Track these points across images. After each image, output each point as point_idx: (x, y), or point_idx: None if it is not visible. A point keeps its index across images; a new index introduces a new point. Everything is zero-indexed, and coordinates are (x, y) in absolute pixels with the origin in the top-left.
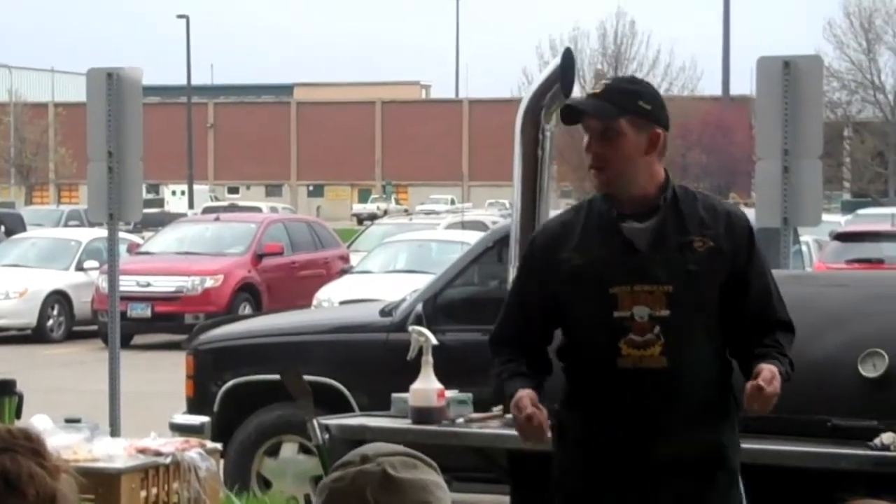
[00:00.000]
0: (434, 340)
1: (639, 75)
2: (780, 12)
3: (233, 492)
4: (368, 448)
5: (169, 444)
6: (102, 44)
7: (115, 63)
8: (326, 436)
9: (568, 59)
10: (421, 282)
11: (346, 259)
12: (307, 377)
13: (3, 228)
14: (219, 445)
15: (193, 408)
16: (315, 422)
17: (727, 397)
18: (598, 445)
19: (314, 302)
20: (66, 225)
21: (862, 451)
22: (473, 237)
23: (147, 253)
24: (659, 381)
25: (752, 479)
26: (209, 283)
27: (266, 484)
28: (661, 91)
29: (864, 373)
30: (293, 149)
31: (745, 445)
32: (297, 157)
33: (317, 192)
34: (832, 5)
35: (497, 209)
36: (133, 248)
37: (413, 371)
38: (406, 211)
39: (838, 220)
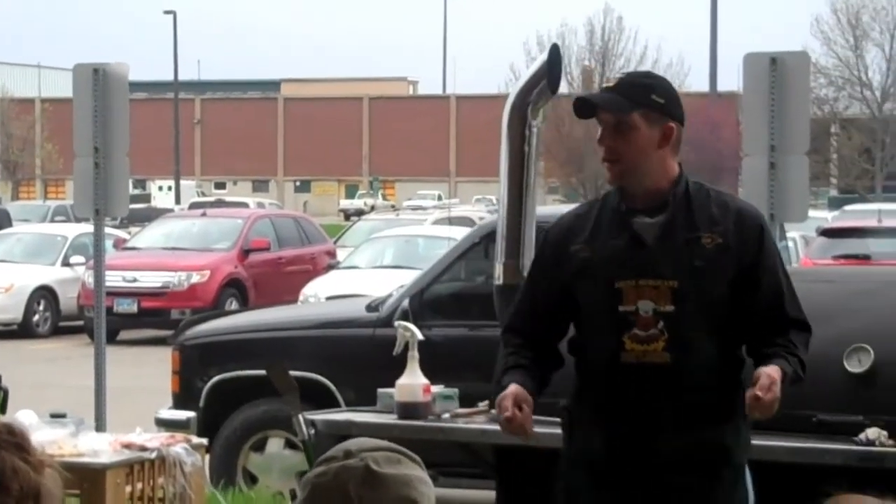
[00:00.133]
0: (420, 336)
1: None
2: (768, 9)
3: (218, 487)
4: (352, 443)
5: (154, 440)
6: (89, 39)
7: (101, 59)
8: (312, 431)
9: (555, 55)
10: (408, 277)
11: (332, 254)
12: (293, 372)
13: None
14: (204, 441)
15: (179, 403)
16: (301, 417)
17: (734, 394)
18: (604, 440)
19: (301, 297)
20: (52, 220)
21: (847, 447)
22: (460, 233)
23: (133, 248)
24: (662, 376)
25: None
26: (195, 278)
27: (252, 479)
28: None
29: (849, 368)
30: (280, 144)
31: None
32: (284, 152)
33: (304, 187)
34: (819, 2)
35: (484, 205)
36: (119, 244)
37: (399, 366)
38: (393, 206)
39: (825, 217)
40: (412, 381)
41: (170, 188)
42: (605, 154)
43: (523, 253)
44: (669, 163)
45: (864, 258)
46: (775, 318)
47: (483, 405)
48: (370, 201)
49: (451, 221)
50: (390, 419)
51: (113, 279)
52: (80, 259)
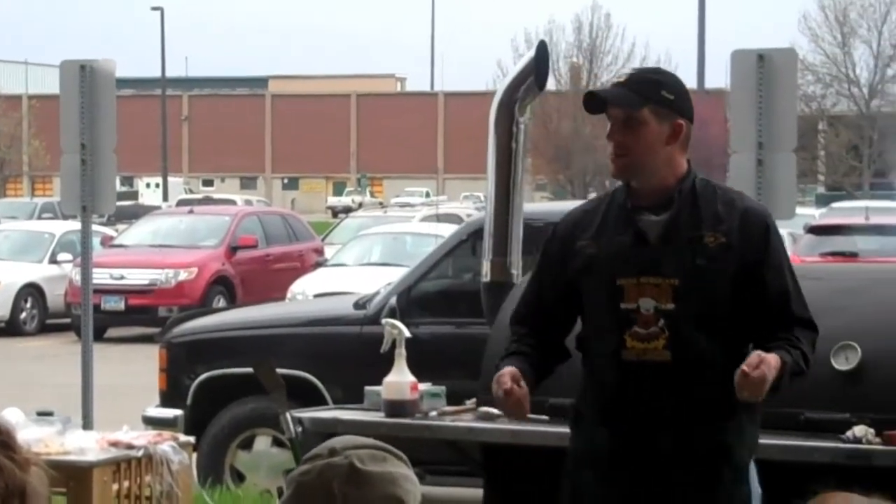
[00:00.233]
0: (407, 333)
1: (613, 69)
2: (756, 5)
3: (206, 485)
4: (337, 441)
5: (141, 437)
6: (76, 36)
7: (88, 55)
8: (299, 429)
9: (542, 51)
10: (395, 274)
11: (320, 252)
12: (281, 370)
13: None
14: (191, 438)
15: (166, 401)
16: (288, 415)
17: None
18: (607, 437)
19: (288, 295)
20: (39, 217)
21: (834, 444)
22: (448, 230)
23: (121, 245)
24: (662, 374)
25: None
26: (183, 275)
27: (239, 477)
28: None
29: (836, 366)
30: (268, 141)
31: None
32: (272, 149)
33: (291, 184)
34: None
35: (472, 202)
36: (107, 241)
37: (387, 364)
38: (381, 204)
39: (812, 214)
40: (399, 379)
41: (157, 185)
42: (613, 149)
43: (511, 250)
44: (677, 160)
45: (852, 255)
46: (781, 317)
47: (470, 403)
48: (358, 198)
49: (439, 218)
50: (377, 417)
51: (100, 276)
52: (68, 256)
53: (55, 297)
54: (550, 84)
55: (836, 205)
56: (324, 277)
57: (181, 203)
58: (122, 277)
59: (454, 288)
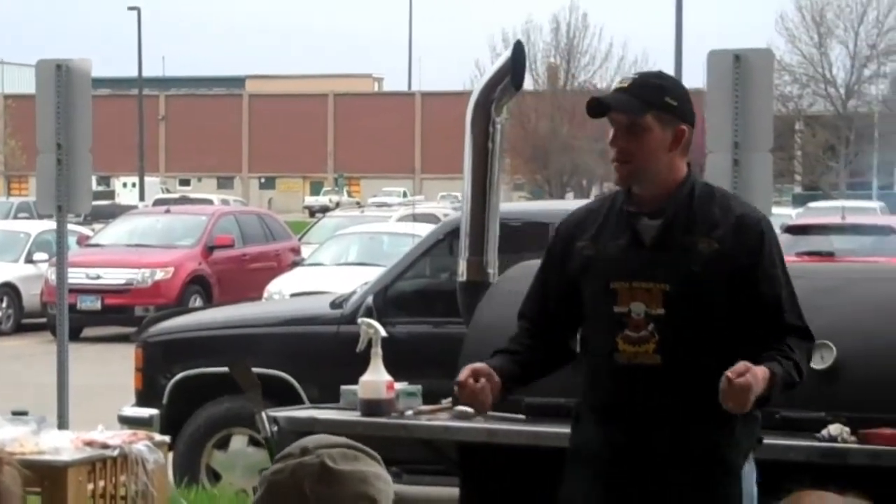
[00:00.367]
0: (384, 333)
1: (591, 69)
2: (733, 6)
3: (182, 485)
4: (310, 440)
5: (116, 437)
6: (52, 35)
7: (64, 54)
8: (275, 428)
9: (518, 51)
10: (372, 274)
11: (297, 251)
12: (257, 370)
13: None
14: (167, 438)
15: (142, 400)
16: (264, 414)
17: None
18: (601, 439)
19: (265, 294)
20: (15, 217)
21: (810, 443)
22: (425, 230)
23: (97, 245)
24: (653, 377)
25: None
26: (159, 275)
27: (215, 476)
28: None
29: (812, 365)
30: (245, 141)
31: None
32: (249, 149)
33: (268, 184)
34: None
35: (449, 202)
36: (83, 241)
37: (363, 363)
38: (358, 203)
39: (789, 214)
40: (375, 378)
41: (134, 185)
42: (616, 155)
43: (487, 249)
44: (678, 165)
45: (828, 255)
46: (773, 325)
47: (446, 402)
48: (335, 198)
49: (416, 218)
50: (353, 416)
51: (76, 276)
52: (44, 256)
53: (31, 296)
54: (528, 84)
55: (812, 205)
56: (300, 277)
57: (158, 203)
58: (98, 277)
59: (431, 287)
